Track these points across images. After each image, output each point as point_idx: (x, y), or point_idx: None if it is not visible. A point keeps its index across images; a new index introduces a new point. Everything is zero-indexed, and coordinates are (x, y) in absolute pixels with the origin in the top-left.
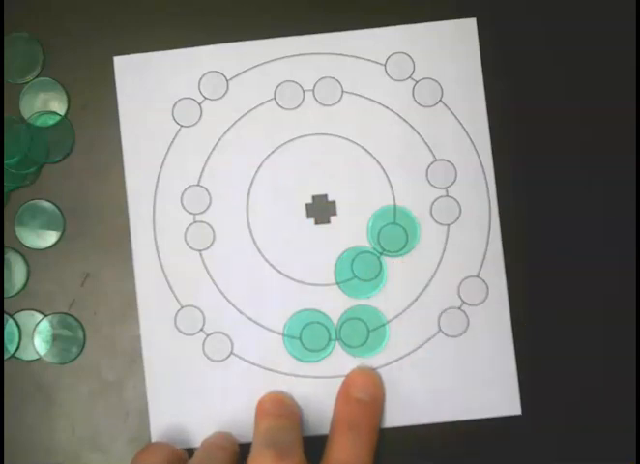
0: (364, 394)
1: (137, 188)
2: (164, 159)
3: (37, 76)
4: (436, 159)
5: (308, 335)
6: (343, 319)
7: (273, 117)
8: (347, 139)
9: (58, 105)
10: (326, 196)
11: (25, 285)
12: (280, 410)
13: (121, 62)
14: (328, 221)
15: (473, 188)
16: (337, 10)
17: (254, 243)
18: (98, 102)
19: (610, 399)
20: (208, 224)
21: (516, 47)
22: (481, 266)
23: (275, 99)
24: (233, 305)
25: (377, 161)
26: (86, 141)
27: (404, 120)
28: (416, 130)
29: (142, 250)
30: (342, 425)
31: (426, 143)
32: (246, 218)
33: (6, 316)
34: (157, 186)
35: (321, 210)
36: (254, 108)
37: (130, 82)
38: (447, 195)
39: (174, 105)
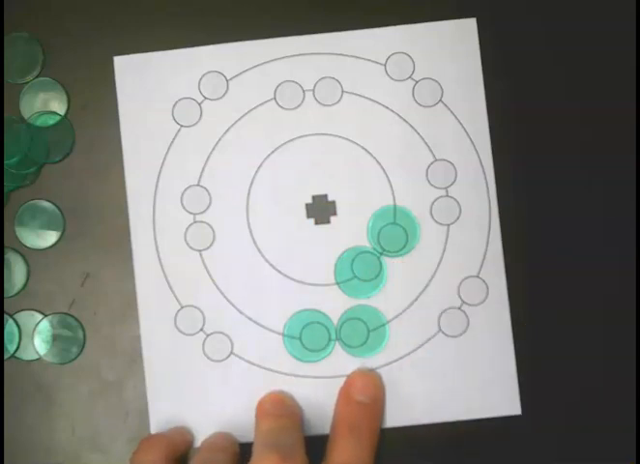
0: (365, 396)
1: (137, 188)
2: (164, 159)
3: (37, 76)
4: (436, 159)
5: (308, 335)
6: (343, 319)
7: (273, 117)
8: (347, 139)
9: (58, 105)
10: (326, 196)
11: (25, 285)
12: (281, 410)
13: (121, 62)
14: (328, 221)
15: (473, 188)
16: (337, 10)
17: (254, 243)
18: (98, 102)
19: (610, 399)
20: (208, 224)
21: (516, 47)
22: (481, 266)
23: (275, 99)
24: (233, 305)
25: (377, 161)
26: (86, 141)
27: (404, 120)
28: (416, 130)
29: (142, 250)
30: (343, 427)
31: (426, 143)
32: (246, 218)
33: (6, 316)
34: (157, 186)
35: (321, 210)
36: (254, 108)
37: (131, 82)
38: (447, 195)
39: (174, 105)
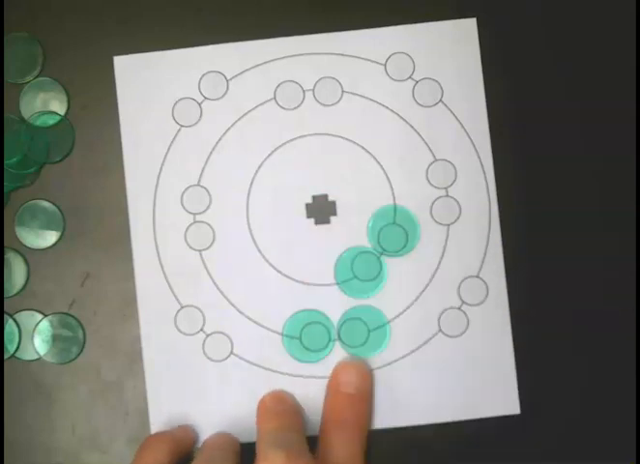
0: (351, 387)
1: (137, 187)
2: (164, 159)
3: (37, 76)
4: (436, 159)
5: (308, 335)
6: (343, 319)
7: (273, 117)
8: (347, 139)
9: (58, 105)
10: (326, 196)
11: (25, 285)
12: (283, 407)
13: (121, 62)
14: (328, 221)
15: (473, 188)
16: (337, 10)
17: (254, 243)
18: (98, 102)
19: (610, 399)
20: (208, 224)
21: (516, 47)
22: (481, 266)
23: (275, 99)
24: (233, 305)
25: (377, 161)
26: (86, 141)
27: (404, 120)
28: (416, 131)
29: (142, 250)
30: (331, 421)
31: (426, 143)
32: (246, 218)
33: (6, 316)
34: (157, 186)
35: (321, 210)
36: (254, 108)
37: (131, 82)
38: (447, 195)
39: (174, 105)
